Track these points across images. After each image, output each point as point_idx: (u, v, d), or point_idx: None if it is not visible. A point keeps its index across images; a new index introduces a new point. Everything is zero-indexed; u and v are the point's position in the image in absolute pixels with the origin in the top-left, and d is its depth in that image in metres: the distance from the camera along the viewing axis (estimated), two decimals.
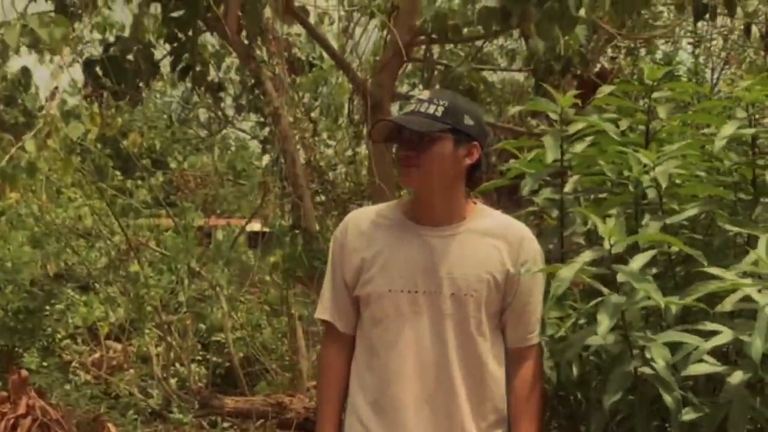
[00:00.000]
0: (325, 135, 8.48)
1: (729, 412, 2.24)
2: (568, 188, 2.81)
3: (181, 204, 8.21)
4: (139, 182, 8.54)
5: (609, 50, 7.73)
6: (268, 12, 5.24)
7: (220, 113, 7.47)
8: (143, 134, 9.43)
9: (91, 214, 7.65)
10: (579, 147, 2.82)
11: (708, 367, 2.27)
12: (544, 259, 2.63)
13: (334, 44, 6.41)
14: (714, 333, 2.29)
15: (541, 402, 2.41)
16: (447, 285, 2.31)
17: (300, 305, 6.80)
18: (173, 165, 10.70)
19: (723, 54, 8.70)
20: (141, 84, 5.42)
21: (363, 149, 7.22)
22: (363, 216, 2.46)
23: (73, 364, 7.35)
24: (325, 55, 6.54)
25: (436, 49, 6.10)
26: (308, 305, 6.76)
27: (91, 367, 7.28)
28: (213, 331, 7.46)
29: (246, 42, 5.29)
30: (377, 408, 2.34)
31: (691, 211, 2.65)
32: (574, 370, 2.52)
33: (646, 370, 2.32)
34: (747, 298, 2.28)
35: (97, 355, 7.56)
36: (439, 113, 2.29)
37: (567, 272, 2.34)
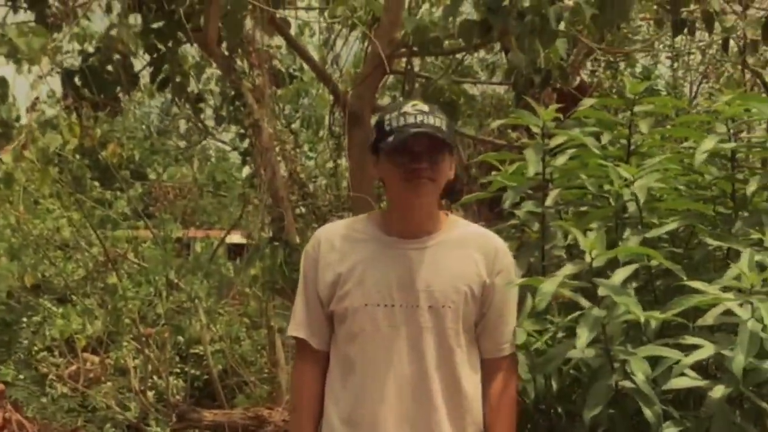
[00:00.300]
0: (306, 147, 8.46)
1: (710, 426, 2.24)
2: (549, 201, 2.81)
3: (159, 215, 8.15)
4: (118, 193, 8.48)
5: (589, 64, 7.77)
6: (248, 23, 5.23)
7: (199, 124, 7.43)
8: (122, 145, 9.36)
9: (69, 225, 7.58)
10: (560, 160, 2.83)
11: (689, 381, 2.28)
12: (527, 272, 2.64)
13: (315, 56, 6.40)
14: (695, 347, 2.29)
15: (515, 412, 2.41)
16: (424, 298, 2.30)
17: (280, 318, 6.76)
18: (152, 176, 10.64)
19: (701, 68, 8.76)
20: (120, 94, 5.38)
21: (344, 161, 7.21)
22: (334, 231, 2.44)
23: (50, 376, 7.27)
24: (305, 66, 6.53)
25: (417, 61, 6.12)
26: (288, 318, 6.70)
27: (68, 380, 7.20)
28: (191, 343, 7.42)
29: (226, 53, 5.27)
30: (352, 424, 2.32)
31: (672, 225, 2.66)
32: (555, 384, 2.52)
33: (627, 383, 2.32)
34: (728, 312, 2.29)
35: (74, 368, 7.48)
36: (444, 127, 2.30)
37: (549, 286, 2.34)
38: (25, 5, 4.88)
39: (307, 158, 8.44)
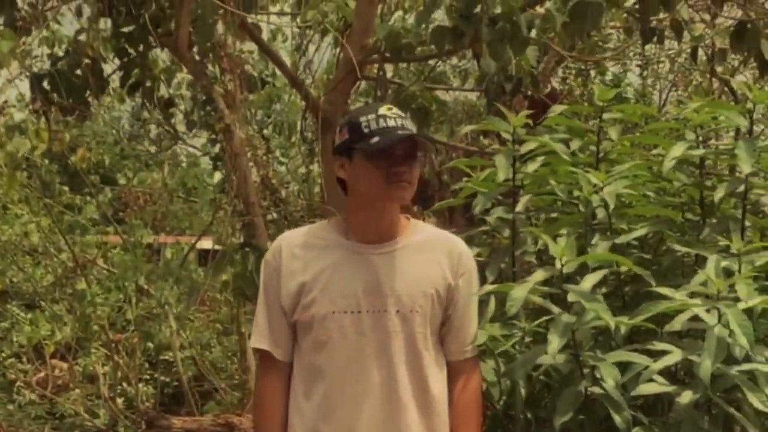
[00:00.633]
0: (278, 152, 8.44)
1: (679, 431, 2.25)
2: (519, 208, 2.82)
3: (129, 221, 8.09)
4: (88, 198, 8.41)
5: (560, 71, 7.83)
6: (220, 28, 5.21)
7: (170, 129, 7.39)
8: (92, 150, 9.29)
9: (38, 230, 7.51)
10: (531, 167, 2.85)
11: (657, 386, 2.29)
12: (497, 278, 2.65)
13: (288, 61, 6.39)
14: (663, 353, 2.31)
15: (480, 414, 2.41)
16: (392, 303, 2.28)
17: (250, 324, 6.72)
18: (122, 181, 10.58)
19: (670, 77, 8.85)
20: (90, 99, 5.34)
21: (316, 167, 7.20)
22: (295, 238, 2.40)
23: (18, 383, 7.19)
24: (278, 72, 6.52)
25: (389, 67, 6.12)
26: None
27: (36, 387, 7.13)
28: (161, 349, 7.36)
29: (197, 58, 5.25)
30: None
31: (640, 231, 2.68)
32: (524, 390, 2.53)
33: (596, 389, 2.33)
34: (695, 318, 2.30)
35: (42, 375, 7.40)
36: (415, 131, 2.32)
37: (519, 292, 2.35)
38: None
39: (280, 164, 8.42)
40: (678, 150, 2.71)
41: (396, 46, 4.58)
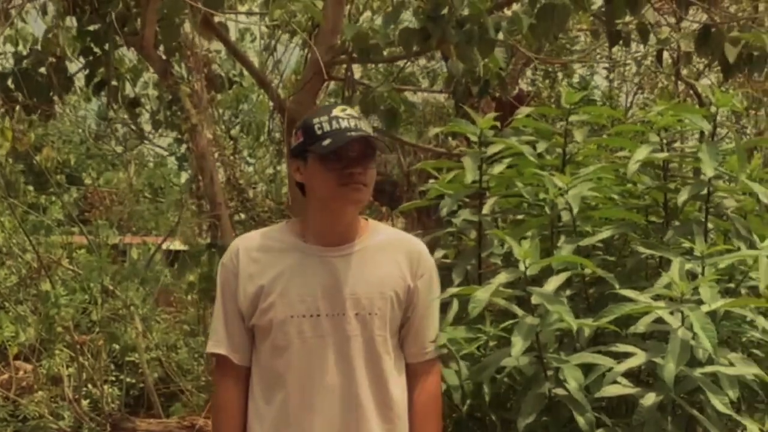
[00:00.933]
0: (245, 153, 8.41)
1: None
2: (485, 210, 2.83)
3: (95, 221, 8.01)
4: (53, 198, 8.33)
5: (528, 73, 7.86)
6: (187, 27, 5.17)
7: (136, 129, 7.33)
8: (57, 149, 9.20)
9: (1, 230, 7.42)
10: (497, 169, 2.85)
11: (621, 388, 2.30)
12: (463, 280, 2.64)
13: (256, 61, 6.36)
14: (627, 355, 2.32)
15: (441, 416, 2.39)
16: (351, 305, 2.26)
17: None
18: (88, 181, 10.48)
19: (636, 79, 8.92)
20: (54, 98, 5.28)
21: (284, 167, 7.18)
22: (253, 241, 2.37)
23: None
24: (246, 72, 6.49)
25: (357, 68, 6.11)
26: None
27: None
28: (127, 351, 7.28)
29: (164, 57, 5.21)
30: None
31: (605, 234, 2.69)
32: (489, 392, 2.53)
33: (560, 391, 2.33)
34: (659, 320, 2.32)
35: (5, 376, 7.30)
36: (371, 131, 2.30)
37: (482, 294, 2.35)
38: None
39: (247, 164, 8.38)
40: (642, 153, 2.72)
41: (364, 47, 4.57)
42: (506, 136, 2.96)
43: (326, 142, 2.23)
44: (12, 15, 5.22)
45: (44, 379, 7.07)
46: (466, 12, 4.14)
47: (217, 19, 5.11)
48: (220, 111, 7.59)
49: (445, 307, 2.52)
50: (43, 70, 5.12)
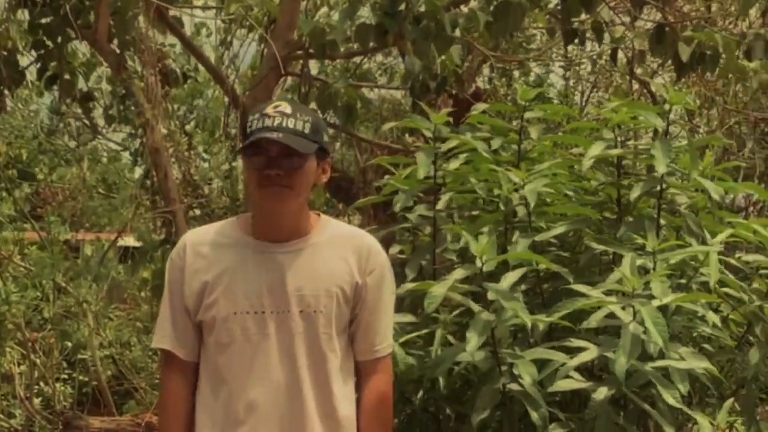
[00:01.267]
0: (200, 148, 8.33)
1: (594, 427, 2.29)
2: (440, 205, 2.83)
3: (47, 217, 7.88)
4: (4, 194, 8.18)
5: (486, 71, 7.88)
6: (141, 21, 5.11)
7: (89, 124, 7.23)
8: (9, 144, 9.05)
9: None
10: (452, 165, 2.86)
11: (574, 383, 2.32)
12: (418, 275, 2.64)
13: (211, 56, 6.30)
14: (580, 349, 2.34)
15: (391, 416, 2.37)
16: (295, 302, 2.22)
17: None
18: (40, 176, 10.30)
19: (591, 78, 8.99)
20: (5, 92, 5.19)
21: (239, 164, 7.13)
22: (201, 236, 2.33)
23: None
24: (201, 67, 6.43)
25: (314, 64, 6.08)
26: None
27: None
28: (79, 349, 7.19)
29: (117, 51, 5.14)
30: None
31: (559, 229, 2.71)
32: (444, 386, 2.53)
33: (514, 386, 2.35)
34: (611, 315, 2.34)
35: None
36: (307, 130, 2.19)
37: (439, 289, 2.35)
38: None
39: (202, 160, 8.31)
40: (596, 149, 2.75)
41: (321, 42, 4.56)
42: (462, 132, 2.96)
43: (248, 140, 2.18)
44: None
45: None
46: (423, 8, 4.15)
47: (171, 12, 5.05)
48: (175, 106, 7.50)
49: (400, 302, 2.51)
50: None
